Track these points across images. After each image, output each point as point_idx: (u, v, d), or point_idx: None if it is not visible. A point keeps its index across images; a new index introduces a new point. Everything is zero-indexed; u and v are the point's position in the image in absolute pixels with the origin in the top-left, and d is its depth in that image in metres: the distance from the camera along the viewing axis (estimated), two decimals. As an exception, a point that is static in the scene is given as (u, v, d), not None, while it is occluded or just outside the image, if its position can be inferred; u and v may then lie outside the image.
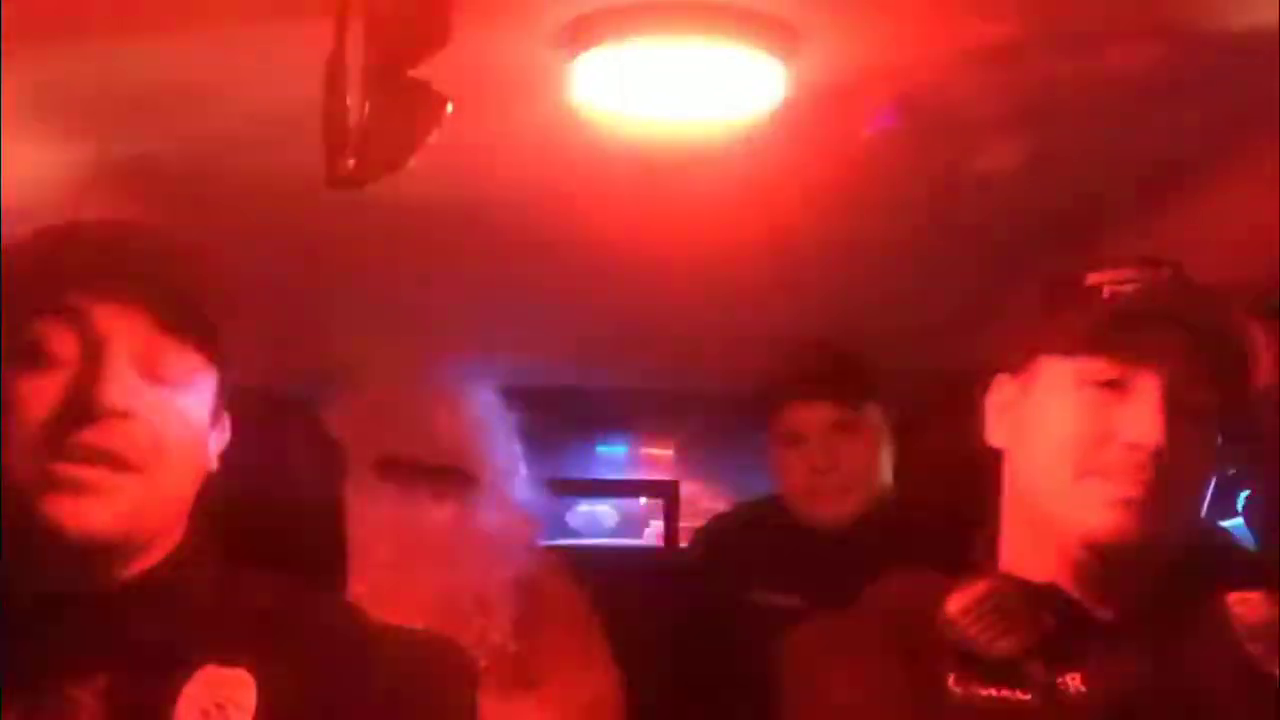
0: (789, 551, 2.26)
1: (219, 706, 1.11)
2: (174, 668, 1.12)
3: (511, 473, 2.22)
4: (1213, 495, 1.34)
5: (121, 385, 1.07)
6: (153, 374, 1.10)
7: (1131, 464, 1.23)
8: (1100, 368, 1.26)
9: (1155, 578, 1.28)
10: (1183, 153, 1.68)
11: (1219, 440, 1.29)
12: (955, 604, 1.27)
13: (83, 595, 1.12)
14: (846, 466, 2.24)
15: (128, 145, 1.57)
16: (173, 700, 1.10)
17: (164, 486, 1.11)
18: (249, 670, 1.13)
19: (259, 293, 2.17)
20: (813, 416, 2.24)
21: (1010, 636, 1.24)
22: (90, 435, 1.06)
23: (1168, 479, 1.23)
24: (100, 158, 1.59)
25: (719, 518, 2.67)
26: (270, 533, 1.35)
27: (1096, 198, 1.81)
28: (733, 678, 2.07)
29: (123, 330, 1.09)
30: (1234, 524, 2.06)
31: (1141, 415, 1.23)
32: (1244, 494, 2.06)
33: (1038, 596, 1.27)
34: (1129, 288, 1.28)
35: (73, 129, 1.51)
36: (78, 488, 1.06)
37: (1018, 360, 1.35)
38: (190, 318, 1.12)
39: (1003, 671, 1.23)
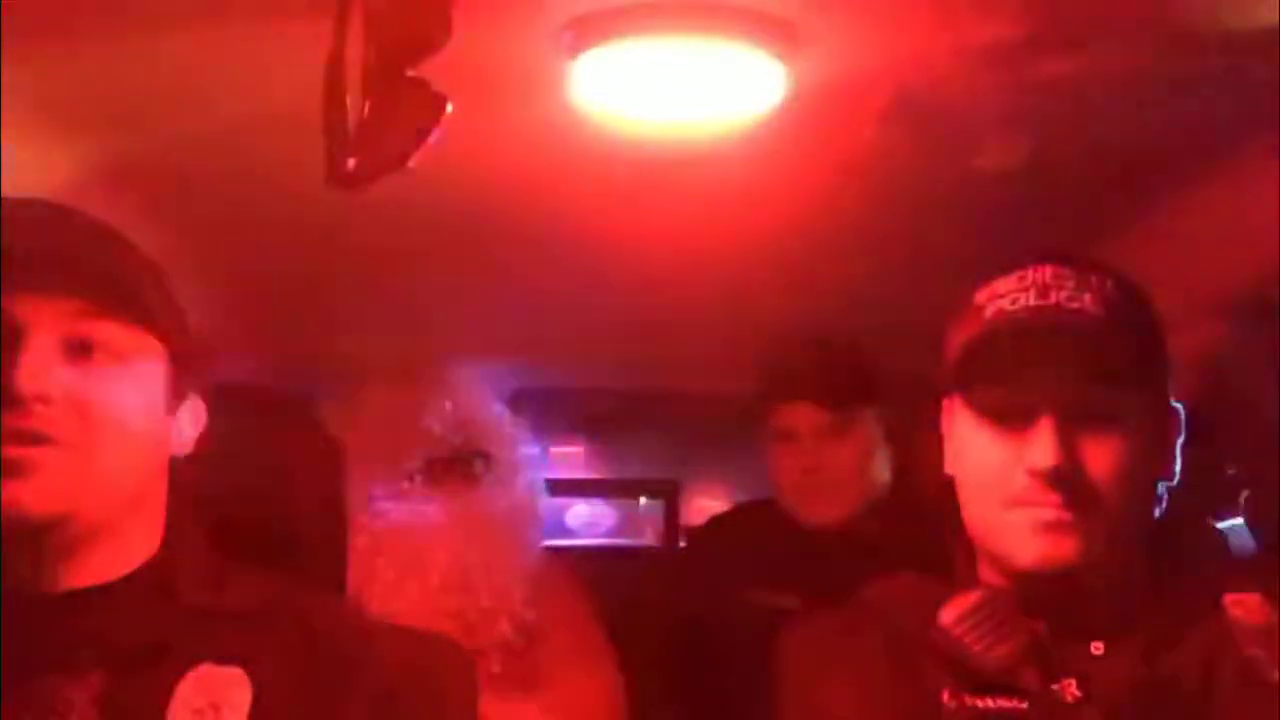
0: (785, 551, 2.26)
1: (213, 706, 1.11)
2: (168, 667, 1.12)
3: (513, 459, 2.21)
4: (1213, 495, 1.32)
5: (36, 370, 1.08)
6: (85, 354, 1.11)
7: (1038, 490, 1.20)
8: (990, 395, 1.23)
9: (1141, 582, 1.26)
10: (1182, 152, 1.68)
11: (1157, 438, 1.26)
12: (949, 614, 1.26)
13: (72, 593, 1.12)
14: (835, 468, 2.23)
15: (126, 145, 1.57)
16: (166, 699, 1.10)
17: (100, 463, 1.11)
18: (244, 669, 1.13)
19: (259, 292, 2.19)
20: (803, 417, 2.23)
21: (1005, 645, 1.23)
22: (12, 420, 1.08)
23: (1086, 496, 1.20)
24: (99, 158, 1.59)
25: (717, 517, 2.67)
26: (270, 532, 1.35)
27: (1096, 197, 1.81)
28: (731, 676, 2.07)
29: (46, 315, 1.10)
30: (1234, 524, 2.06)
31: (1038, 439, 1.20)
32: (1244, 494, 2.06)
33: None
34: (1006, 302, 1.24)
35: (72, 129, 1.51)
36: (9, 470, 1.07)
37: (943, 388, 1.32)
38: (120, 297, 1.13)
39: (997, 681, 1.23)
